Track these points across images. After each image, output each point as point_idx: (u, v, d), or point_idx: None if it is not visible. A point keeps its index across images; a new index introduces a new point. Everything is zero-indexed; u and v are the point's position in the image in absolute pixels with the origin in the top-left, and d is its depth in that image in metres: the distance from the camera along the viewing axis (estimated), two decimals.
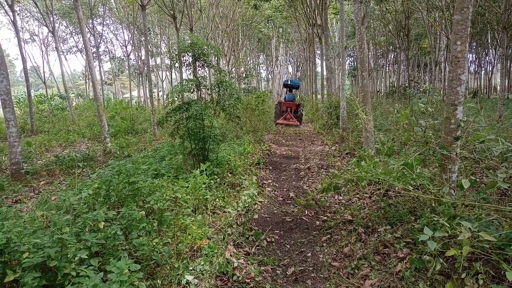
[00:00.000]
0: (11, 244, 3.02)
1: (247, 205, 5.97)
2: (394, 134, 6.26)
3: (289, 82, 21.99)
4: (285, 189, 7.38)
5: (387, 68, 47.58)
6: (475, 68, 45.04)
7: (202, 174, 5.87)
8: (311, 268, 4.21)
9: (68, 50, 38.64)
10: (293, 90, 22.16)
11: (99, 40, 31.11)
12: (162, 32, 37.76)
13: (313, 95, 32.78)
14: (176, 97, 7.05)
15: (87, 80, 41.17)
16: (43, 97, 28.02)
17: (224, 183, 6.83)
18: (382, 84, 48.04)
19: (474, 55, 41.37)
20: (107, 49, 42.07)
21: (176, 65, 7.80)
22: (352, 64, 49.51)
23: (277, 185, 7.67)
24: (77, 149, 12.91)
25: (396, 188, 5.33)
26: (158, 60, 42.80)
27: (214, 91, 7.64)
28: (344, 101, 12.80)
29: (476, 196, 4.37)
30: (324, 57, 20.94)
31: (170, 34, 36.18)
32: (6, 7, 17.75)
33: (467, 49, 4.47)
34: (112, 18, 35.81)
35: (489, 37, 31.98)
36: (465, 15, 4.39)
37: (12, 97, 9.77)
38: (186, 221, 4.50)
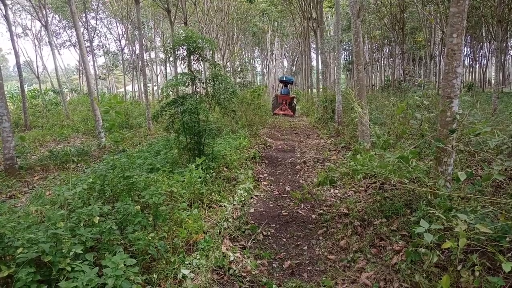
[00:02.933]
0: (5, 239, 2.99)
1: (243, 199, 5.97)
2: (390, 128, 6.26)
3: (284, 78, 25.35)
4: (281, 183, 7.38)
5: (382, 62, 47.62)
6: (469, 61, 45.19)
7: (197, 168, 5.85)
8: (307, 261, 4.22)
9: (61, 44, 38.22)
10: (288, 85, 24.88)
11: (92, 34, 30.81)
12: (156, 26, 37.50)
13: (309, 89, 32.78)
14: (171, 91, 7.00)
15: (81, 75, 40.84)
16: (36, 92, 27.77)
17: (220, 177, 6.81)
18: (377, 78, 48.12)
19: (468, 49, 41.50)
20: (101, 43, 41.76)
21: (171, 59, 7.74)
22: (347, 58, 49.47)
23: (273, 179, 7.67)
24: (72, 144, 12.84)
25: (392, 181, 5.34)
26: (153, 54, 42.59)
27: (209, 85, 7.59)
28: (340, 95, 12.80)
29: (472, 189, 4.38)
30: (320, 51, 20.89)
31: (165, 28, 35.93)
32: None
33: (463, 42, 4.46)
34: (106, 12, 35.50)
35: (483, 31, 32.05)
36: (461, 8, 4.38)
37: (5, 92, 9.67)
38: (181, 215, 4.48)
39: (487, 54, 37.41)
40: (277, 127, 16.57)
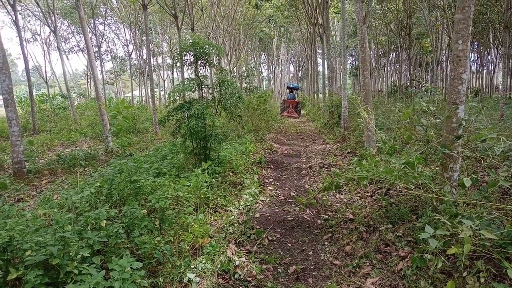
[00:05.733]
0: (14, 242, 3.03)
1: (248, 204, 5.98)
2: (396, 133, 6.25)
3: (291, 85, 29.60)
4: (286, 188, 7.39)
5: (388, 68, 47.45)
6: (477, 67, 44.94)
7: (203, 173, 5.89)
8: (312, 267, 4.22)
9: (69, 49, 38.63)
10: (294, 91, 28.53)
11: (100, 40, 31.07)
12: (163, 31, 37.75)
13: (315, 95, 32.84)
14: (177, 96, 7.05)
15: (88, 80, 41.20)
16: (45, 96, 28.04)
17: (226, 182, 6.84)
18: (384, 83, 47.95)
19: (476, 55, 41.28)
20: (108, 49, 42.10)
21: (178, 64, 7.80)
22: (354, 63, 49.44)
23: (278, 184, 7.68)
24: (79, 148, 12.94)
25: (398, 187, 5.34)
26: (160, 60, 42.86)
27: (215, 90, 7.65)
28: (346, 100, 12.80)
29: (478, 195, 4.37)
30: (326, 56, 20.93)
31: (172, 34, 36.18)
32: (8, 7, 17.80)
33: (468, 48, 4.46)
34: (114, 18, 35.82)
35: (491, 36, 31.88)
36: (467, 14, 4.39)
37: (14, 96, 9.79)
38: (187, 219, 4.51)
39: (495, 60, 37.17)
40: (283, 132, 16.58)
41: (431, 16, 22.68)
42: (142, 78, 38.50)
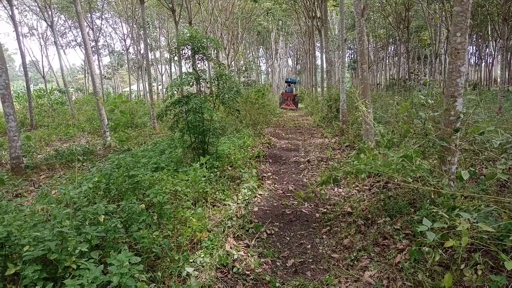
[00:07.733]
0: (12, 237, 3.03)
1: (247, 198, 5.99)
2: (394, 127, 6.25)
3: (289, 79, 32.01)
4: (284, 182, 7.39)
5: (387, 61, 47.41)
6: (475, 60, 44.90)
7: (202, 167, 5.88)
8: (310, 260, 4.23)
9: (67, 44, 38.45)
10: (292, 84, 31.03)
11: (98, 34, 31.01)
12: (161, 25, 37.61)
13: (313, 88, 32.87)
14: (175, 90, 7.03)
15: (86, 74, 41.04)
16: (42, 91, 27.93)
17: (224, 176, 6.83)
18: (382, 76, 47.91)
19: (474, 47, 41.20)
20: (106, 43, 42.00)
21: (176, 58, 7.77)
22: (352, 56, 49.33)
23: (276, 178, 7.68)
24: (77, 143, 12.91)
25: (396, 180, 5.35)
26: (158, 54, 42.69)
27: (213, 84, 7.62)
28: (344, 94, 12.77)
29: (476, 188, 4.38)
30: (324, 50, 20.88)
31: (169, 28, 36.02)
32: (5, 1, 17.66)
33: (467, 41, 4.45)
34: (111, 12, 35.64)
35: (489, 29, 31.80)
36: (465, 6, 4.37)
37: (12, 92, 9.75)
38: (186, 214, 4.51)
39: (493, 53, 37.11)
40: (282, 126, 16.57)
41: (429, 8, 22.60)
42: (139, 72, 38.35)
